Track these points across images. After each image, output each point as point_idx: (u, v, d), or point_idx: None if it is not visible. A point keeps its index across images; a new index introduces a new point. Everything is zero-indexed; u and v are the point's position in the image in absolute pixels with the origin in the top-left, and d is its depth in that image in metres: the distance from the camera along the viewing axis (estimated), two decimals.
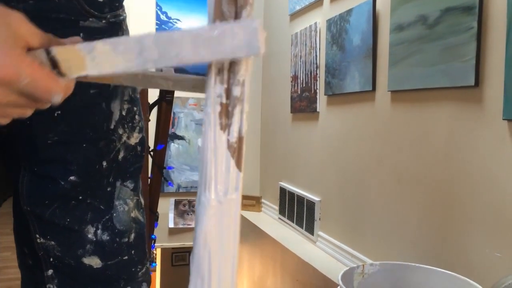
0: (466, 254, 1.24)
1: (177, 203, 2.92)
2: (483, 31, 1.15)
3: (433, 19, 1.29)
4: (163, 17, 2.79)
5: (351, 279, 0.89)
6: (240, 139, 0.36)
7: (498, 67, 1.11)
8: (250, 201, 2.95)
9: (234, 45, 0.32)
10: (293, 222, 2.49)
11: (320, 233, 2.21)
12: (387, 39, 1.53)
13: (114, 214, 0.64)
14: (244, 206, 2.89)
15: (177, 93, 2.48)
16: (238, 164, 0.36)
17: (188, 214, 2.95)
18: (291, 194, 2.50)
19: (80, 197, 0.61)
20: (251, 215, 2.86)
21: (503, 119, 1.10)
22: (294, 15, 2.44)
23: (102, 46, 0.34)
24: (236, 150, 0.36)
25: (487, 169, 1.17)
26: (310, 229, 2.31)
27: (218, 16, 0.34)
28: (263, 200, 2.99)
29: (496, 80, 1.12)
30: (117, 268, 0.64)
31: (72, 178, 0.59)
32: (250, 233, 2.75)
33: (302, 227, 2.40)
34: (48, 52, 0.36)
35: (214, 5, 0.34)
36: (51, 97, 0.36)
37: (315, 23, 2.10)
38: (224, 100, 0.36)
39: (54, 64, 0.36)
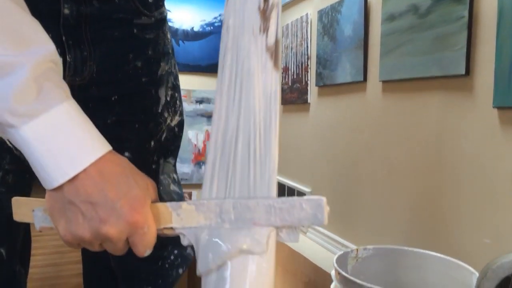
0: (457, 242, 1.26)
1: None
2: (474, 20, 1.17)
3: (424, 8, 1.30)
4: None
5: (345, 263, 0.90)
6: (277, 41, 0.39)
7: (489, 56, 1.13)
8: None
9: (301, 216, 0.38)
10: None
11: None
12: (378, 29, 1.53)
13: (161, 188, 0.71)
14: None
15: None
16: (276, 64, 0.39)
17: None
18: (282, 186, 2.51)
19: None
20: None
21: (493, 107, 1.11)
22: (285, 6, 2.44)
23: (187, 206, 0.41)
24: (273, 52, 0.38)
25: (477, 156, 1.19)
26: None
27: None
28: None
29: (486, 68, 1.14)
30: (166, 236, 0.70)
31: (126, 154, 0.66)
32: None
33: None
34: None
35: None
36: (144, 253, 0.42)
37: (306, 14, 2.11)
38: (262, 4, 0.39)
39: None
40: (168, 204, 0.43)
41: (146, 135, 0.68)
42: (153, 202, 0.43)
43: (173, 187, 0.74)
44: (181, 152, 3.05)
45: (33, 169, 0.40)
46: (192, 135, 2.99)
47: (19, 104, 0.38)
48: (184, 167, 2.90)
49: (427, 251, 0.91)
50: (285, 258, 2.27)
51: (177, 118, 0.73)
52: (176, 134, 0.74)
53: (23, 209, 0.46)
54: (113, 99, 0.65)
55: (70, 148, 0.39)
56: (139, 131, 0.67)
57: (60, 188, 0.39)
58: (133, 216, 0.40)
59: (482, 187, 1.18)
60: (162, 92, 0.69)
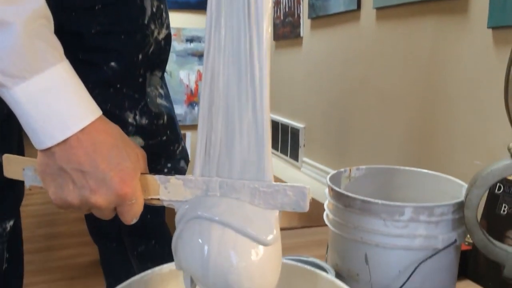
0: (448, 165, 1.28)
1: None
2: None
3: None
4: None
5: (338, 182, 0.91)
6: None
7: None
8: None
9: (284, 201, 0.39)
10: (277, 150, 2.52)
11: (305, 159, 2.25)
12: None
13: (148, 100, 0.70)
14: None
15: None
16: None
17: None
18: (275, 123, 2.52)
19: (118, 85, 0.67)
20: None
21: (487, 28, 1.09)
22: None
23: (175, 180, 0.42)
24: None
25: (471, 78, 1.19)
26: (294, 156, 2.35)
27: None
28: None
29: None
30: (158, 147, 0.72)
31: (112, 64, 0.65)
32: None
33: (286, 155, 2.43)
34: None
35: None
36: (131, 221, 0.43)
37: None
38: None
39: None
40: (156, 176, 0.43)
41: (133, 47, 0.67)
42: (143, 173, 0.44)
43: (160, 100, 0.73)
44: (173, 94, 3.03)
45: (24, 129, 0.40)
46: (184, 76, 2.95)
47: (11, 64, 0.37)
48: (177, 109, 2.87)
49: (418, 169, 0.92)
50: None
51: (164, 31, 0.71)
52: (163, 48, 0.72)
53: (14, 166, 0.47)
54: (96, 8, 0.63)
55: (60, 113, 0.39)
56: (125, 43, 0.66)
57: (52, 154, 0.40)
58: (122, 188, 0.41)
59: (476, 108, 1.18)
60: (147, 2, 0.67)
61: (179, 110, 2.94)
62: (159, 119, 0.72)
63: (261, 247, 0.37)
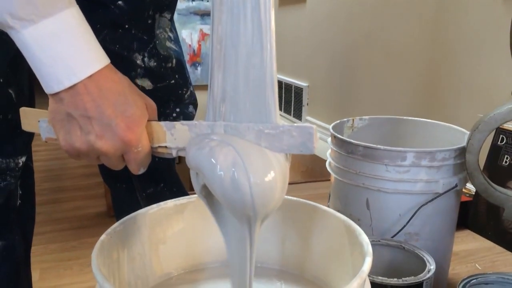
0: (453, 118, 1.28)
1: None
2: None
3: None
4: None
5: (341, 132, 0.91)
6: None
7: None
8: None
9: (290, 143, 0.37)
10: (281, 110, 2.52)
11: (308, 117, 2.25)
12: None
13: (157, 42, 0.70)
14: None
15: None
16: None
17: None
18: (279, 82, 2.50)
19: (126, 26, 0.67)
20: None
21: None
22: None
23: (180, 126, 0.42)
24: None
25: (477, 30, 1.17)
26: (298, 115, 2.34)
27: None
28: None
29: None
30: (166, 90, 0.72)
31: (120, 2, 0.65)
32: None
33: (290, 114, 2.43)
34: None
35: None
36: (138, 170, 0.44)
37: None
38: None
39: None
40: (162, 123, 0.43)
41: None
42: (149, 120, 0.43)
43: (169, 44, 0.72)
44: None
45: (34, 71, 0.40)
46: (186, 35, 2.91)
47: (20, 7, 0.36)
48: None
49: (421, 119, 0.92)
50: None
51: None
52: None
53: (30, 119, 0.48)
54: None
55: (66, 58, 0.39)
56: None
57: (60, 99, 0.40)
58: (127, 135, 0.41)
59: (481, 61, 1.17)
60: None
61: None
62: (168, 62, 0.72)
63: (271, 171, 0.36)
